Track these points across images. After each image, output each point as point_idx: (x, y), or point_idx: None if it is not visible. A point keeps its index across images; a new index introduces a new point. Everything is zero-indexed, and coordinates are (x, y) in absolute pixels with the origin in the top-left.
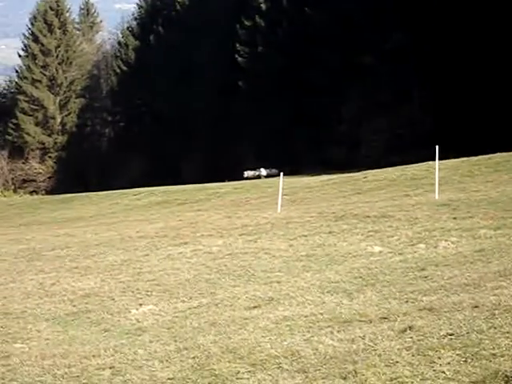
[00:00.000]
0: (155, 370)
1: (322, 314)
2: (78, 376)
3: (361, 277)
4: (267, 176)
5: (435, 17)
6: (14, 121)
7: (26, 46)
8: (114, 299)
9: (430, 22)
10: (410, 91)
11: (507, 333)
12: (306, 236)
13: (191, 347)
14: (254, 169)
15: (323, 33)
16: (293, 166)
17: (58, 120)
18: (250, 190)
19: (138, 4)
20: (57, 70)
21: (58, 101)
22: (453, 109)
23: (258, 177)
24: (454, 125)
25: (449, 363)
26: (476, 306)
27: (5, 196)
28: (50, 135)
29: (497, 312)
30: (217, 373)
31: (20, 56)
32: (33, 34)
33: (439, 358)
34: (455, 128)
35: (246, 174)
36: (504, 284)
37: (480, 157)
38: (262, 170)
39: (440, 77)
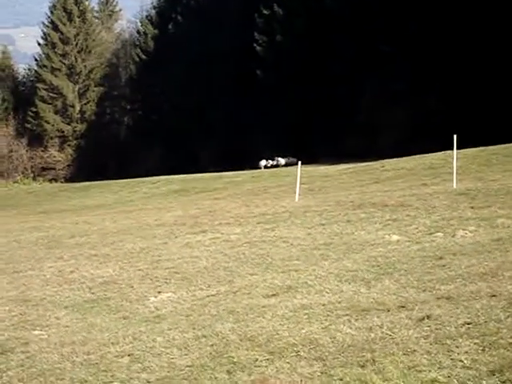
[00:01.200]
0: (174, 357)
1: (339, 302)
2: (96, 363)
3: (378, 265)
4: (286, 165)
5: (454, 6)
6: (34, 109)
7: (45, 35)
8: (132, 287)
9: (449, 11)
10: (427, 81)
11: None
12: (323, 225)
13: (209, 335)
14: (271, 158)
15: (341, 21)
16: (310, 156)
17: (77, 108)
18: (268, 178)
19: None
20: (76, 59)
21: (77, 89)
22: (471, 98)
23: (276, 165)
24: (472, 114)
25: (466, 352)
26: (494, 295)
27: (24, 184)
28: (69, 123)
29: None
30: (235, 360)
31: (39, 44)
32: (52, 22)
33: (457, 346)
34: (473, 117)
35: (264, 162)
36: None
37: (498, 146)
38: (280, 158)
39: (458, 66)
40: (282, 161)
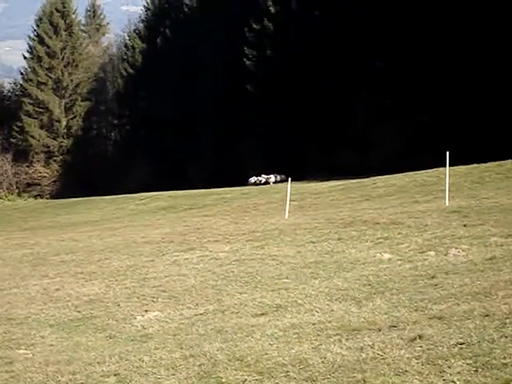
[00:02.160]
0: (161, 377)
1: (330, 321)
2: (82, 383)
3: (370, 284)
4: (275, 182)
5: (446, 23)
6: (19, 123)
7: (31, 48)
8: (119, 305)
9: (441, 28)
10: (420, 96)
11: None
12: (314, 242)
13: (197, 355)
14: (260, 175)
15: (332, 36)
16: (301, 171)
17: (64, 123)
18: (258, 195)
19: (145, 6)
20: (62, 73)
21: (63, 103)
22: (464, 114)
23: (266, 183)
24: (465, 130)
25: (459, 373)
26: (487, 315)
27: (9, 200)
28: (55, 138)
29: (508, 321)
30: (223, 381)
31: (25, 58)
32: (38, 35)
33: (449, 367)
34: (466, 133)
35: (253, 180)
36: None
37: (491, 163)
38: (270, 175)
39: (450, 82)
40: (272, 178)
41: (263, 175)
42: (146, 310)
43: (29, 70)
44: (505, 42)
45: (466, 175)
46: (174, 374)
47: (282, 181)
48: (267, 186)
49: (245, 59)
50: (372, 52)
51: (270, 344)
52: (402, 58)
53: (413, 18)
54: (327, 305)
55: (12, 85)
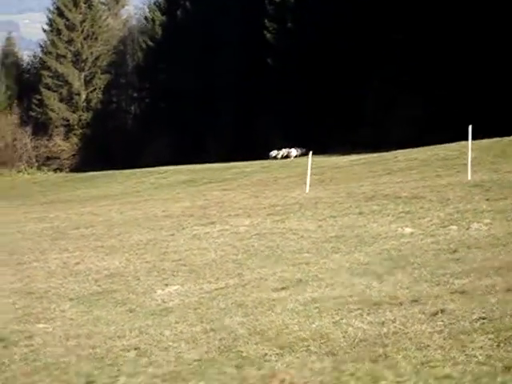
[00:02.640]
0: (181, 351)
1: (351, 296)
2: (102, 357)
3: (391, 259)
4: (296, 156)
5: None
6: (38, 97)
7: (50, 21)
8: (139, 279)
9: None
10: (440, 71)
11: None
12: (334, 217)
13: (218, 328)
14: (281, 148)
15: (354, 8)
16: (321, 146)
17: (83, 96)
18: (278, 169)
19: None
20: (82, 45)
21: (82, 76)
22: (486, 88)
23: (287, 156)
24: (487, 104)
25: (481, 347)
26: (509, 290)
27: (28, 173)
28: (74, 112)
29: None
30: (244, 355)
31: (44, 31)
32: (58, 8)
33: (471, 342)
34: (488, 108)
35: (274, 153)
36: None
37: None
38: (291, 149)
39: (472, 55)
40: (293, 152)
41: (284, 149)
42: (166, 284)
43: (48, 42)
44: None
45: (488, 149)
46: (194, 348)
47: (302, 154)
48: (288, 159)
49: (265, 32)
50: (392, 25)
51: (290, 318)
52: (421, 32)
53: None
54: (348, 279)
55: (31, 58)
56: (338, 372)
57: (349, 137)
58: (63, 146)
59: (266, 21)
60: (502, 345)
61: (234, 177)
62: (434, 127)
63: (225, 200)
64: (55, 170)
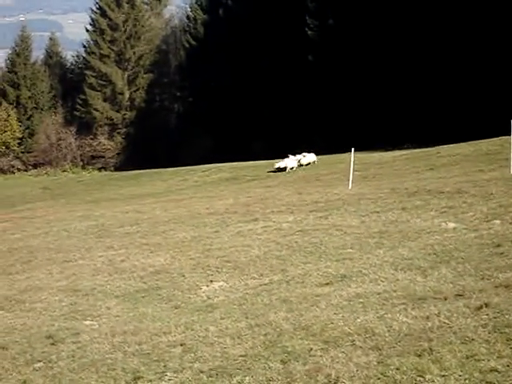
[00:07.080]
0: (227, 346)
1: (395, 291)
2: (148, 353)
3: (435, 253)
4: (292, 168)
5: None
6: (82, 96)
7: (93, 21)
8: (184, 276)
9: None
10: (479, 65)
11: None
12: (378, 212)
13: (263, 324)
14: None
15: (397, 4)
16: (364, 142)
17: (127, 95)
18: (320, 165)
19: None
20: (125, 45)
21: (126, 76)
22: None
23: (300, 165)
24: None
25: None
26: None
27: (73, 172)
28: (118, 111)
29: None
30: (289, 350)
31: (88, 31)
32: (100, 8)
33: None
34: None
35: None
36: None
37: None
38: (306, 154)
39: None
40: (305, 160)
41: (298, 155)
42: (211, 281)
43: (91, 42)
44: None
45: None
46: (239, 344)
47: (304, 164)
48: (330, 156)
49: (306, 29)
50: (437, 24)
51: (335, 313)
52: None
53: None
54: (392, 274)
55: (75, 58)
56: (383, 366)
57: (392, 133)
58: (107, 144)
59: (306, 17)
60: None
61: (276, 174)
62: (476, 122)
63: (268, 197)
64: (100, 169)
